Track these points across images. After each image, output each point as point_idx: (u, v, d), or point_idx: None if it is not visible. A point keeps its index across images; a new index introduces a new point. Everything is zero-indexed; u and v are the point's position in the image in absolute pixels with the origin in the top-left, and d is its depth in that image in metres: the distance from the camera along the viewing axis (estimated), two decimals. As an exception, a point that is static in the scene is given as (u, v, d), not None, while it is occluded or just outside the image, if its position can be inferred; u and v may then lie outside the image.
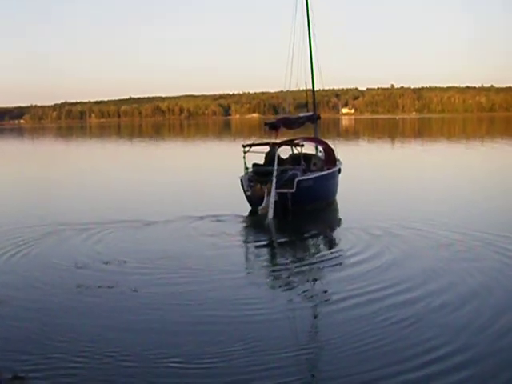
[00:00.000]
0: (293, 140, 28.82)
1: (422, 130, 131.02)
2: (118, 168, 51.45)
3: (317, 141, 30.75)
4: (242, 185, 26.48)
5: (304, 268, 17.36)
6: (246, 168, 27.23)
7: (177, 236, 21.86)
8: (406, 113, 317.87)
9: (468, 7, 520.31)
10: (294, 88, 31.19)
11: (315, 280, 16.21)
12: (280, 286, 15.76)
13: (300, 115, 31.36)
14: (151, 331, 12.51)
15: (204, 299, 14.50)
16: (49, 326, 12.86)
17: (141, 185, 37.68)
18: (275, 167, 25.62)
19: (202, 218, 24.60)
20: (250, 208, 26.31)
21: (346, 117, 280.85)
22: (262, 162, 27.85)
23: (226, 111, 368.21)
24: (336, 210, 27.92)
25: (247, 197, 26.47)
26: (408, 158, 57.44)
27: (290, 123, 29.92)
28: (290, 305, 14.25)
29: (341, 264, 17.59)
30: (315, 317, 13.61)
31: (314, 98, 32.51)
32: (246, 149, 27.07)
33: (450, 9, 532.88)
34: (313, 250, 20.21)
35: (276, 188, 25.31)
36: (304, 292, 15.04)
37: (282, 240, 21.91)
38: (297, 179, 25.72)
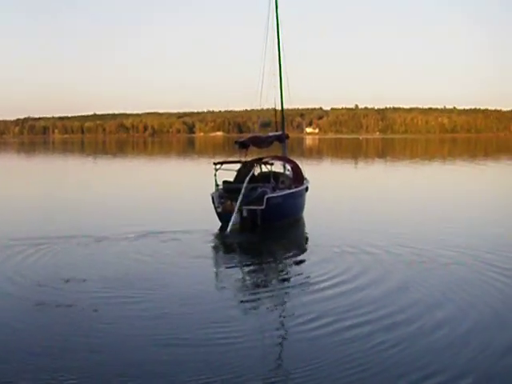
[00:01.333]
0: (262, 158, 29.38)
1: (385, 151, 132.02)
2: (79, 184, 50.81)
3: (285, 159, 31.28)
4: (213, 201, 26.88)
5: (273, 288, 17.32)
6: (217, 185, 27.73)
7: (139, 253, 21.58)
8: (369, 133, 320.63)
9: (430, 30, 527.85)
10: (260, 107, 31.56)
11: (284, 302, 16.05)
12: (246, 307, 15.72)
13: (269, 134, 31.98)
14: (111, 352, 12.28)
15: (167, 319, 14.26)
16: (4, 343, 12.66)
17: (105, 201, 37.57)
18: (244, 184, 26.27)
19: (164, 233, 24.60)
20: (220, 224, 26.49)
21: (310, 136, 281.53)
22: (232, 179, 28.26)
23: (191, 129, 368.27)
24: (303, 227, 28.45)
25: (218, 213, 26.79)
26: (370, 178, 57.93)
27: (259, 142, 30.67)
28: (256, 327, 14.00)
29: (310, 284, 17.50)
30: (283, 340, 13.32)
31: (282, 118, 32.99)
32: (218, 166, 27.82)
33: (412, 32, 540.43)
34: (281, 269, 20.08)
35: (246, 204, 26.03)
36: (272, 314, 14.94)
37: (250, 259, 21.95)
38: (266, 196, 26.35)
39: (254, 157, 30.03)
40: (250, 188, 26.65)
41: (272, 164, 28.82)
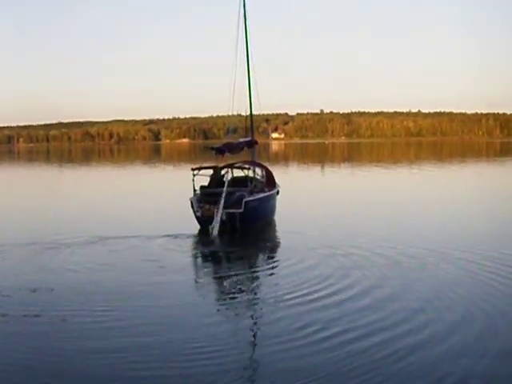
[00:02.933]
0: (234, 163, 30.77)
1: (351, 155, 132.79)
2: (45, 192, 50.36)
3: (257, 164, 32.53)
4: (192, 206, 27.75)
5: (252, 297, 17.08)
6: (195, 190, 28.66)
7: (110, 259, 21.57)
8: (335, 137, 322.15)
9: (395, 32, 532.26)
10: (230, 113, 32.30)
11: (264, 308, 15.77)
12: (225, 314, 15.69)
13: (240, 140, 33.03)
14: (81, 362, 12.05)
15: (137, 329, 13.97)
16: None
17: (78, 206, 37.89)
18: (224, 189, 27.28)
19: (137, 237, 25.03)
20: (199, 227, 27.37)
21: (276, 142, 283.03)
22: (206, 184, 29.39)
23: (156, 136, 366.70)
24: (276, 229, 29.37)
25: (197, 217, 27.65)
26: (338, 182, 58.49)
27: (232, 148, 31.52)
28: (235, 335, 13.83)
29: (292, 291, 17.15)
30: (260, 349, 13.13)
31: (252, 124, 34.02)
32: (195, 172, 28.94)
33: (375, 34, 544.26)
34: (263, 273, 20.04)
35: (224, 208, 26.85)
36: (254, 323, 14.81)
37: (233, 264, 21.97)
38: (244, 200, 27.49)
39: (227, 162, 30.95)
40: (228, 192, 27.48)
41: (249, 168, 30.50)
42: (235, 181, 29.65)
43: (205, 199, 27.89)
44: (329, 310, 15.05)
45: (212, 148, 31.06)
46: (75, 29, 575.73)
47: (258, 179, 31.21)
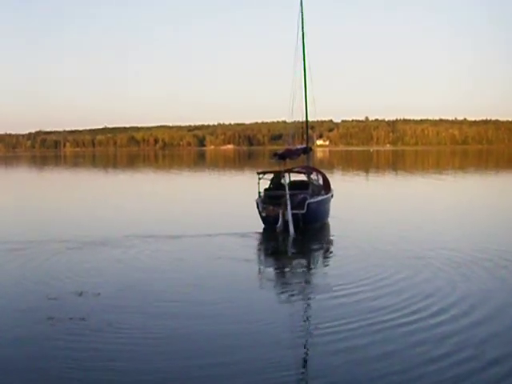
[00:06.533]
0: (293, 168, 32.75)
1: (396, 163, 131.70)
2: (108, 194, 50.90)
3: (314, 169, 34.36)
4: (258, 207, 29.87)
5: (308, 289, 18.19)
6: (259, 192, 30.72)
7: (159, 259, 22.45)
8: (380, 145, 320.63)
9: (444, 41, 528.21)
10: (292, 120, 34.78)
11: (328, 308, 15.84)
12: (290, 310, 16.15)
13: (298, 147, 34.87)
14: (127, 370, 11.86)
15: (183, 340, 13.60)
16: (18, 356, 12.51)
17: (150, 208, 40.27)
18: (287, 191, 29.13)
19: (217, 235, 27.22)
20: (264, 227, 29.48)
21: (321, 149, 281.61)
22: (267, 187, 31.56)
23: (201, 142, 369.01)
24: (334, 229, 30.38)
25: (262, 217, 29.75)
26: (380, 190, 57.99)
27: (292, 154, 33.44)
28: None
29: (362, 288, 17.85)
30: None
31: (307, 132, 35.92)
32: (260, 175, 31.36)
33: (423, 44, 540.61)
34: (330, 272, 20.90)
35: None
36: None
37: (295, 260, 23.48)
38: (307, 201, 29.47)
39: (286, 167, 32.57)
40: (291, 194, 29.21)
41: (311, 173, 32.65)
42: (296, 184, 31.61)
43: (269, 201, 29.88)
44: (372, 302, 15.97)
45: (275, 154, 32.80)
46: (126, 31, 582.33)
47: (315, 183, 32.81)
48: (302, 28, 34.31)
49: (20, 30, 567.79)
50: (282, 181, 30.75)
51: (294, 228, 28.17)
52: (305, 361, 12.53)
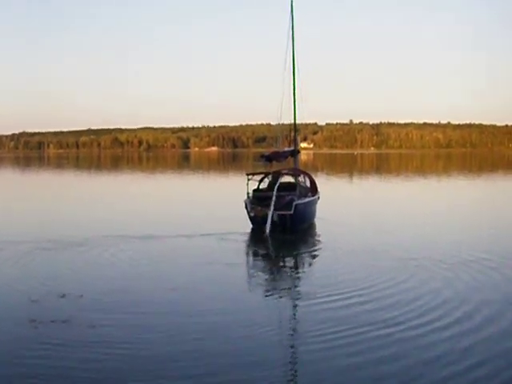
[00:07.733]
0: (281, 170, 33.20)
1: (380, 166, 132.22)
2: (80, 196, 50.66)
3: (302, 172, 35.14)
4: (246, 207, 30.30)
5: (295, 289, 18.30)
6: (248, 193, 31.35)
7: (139, 260, 22.31)
8: (364, 148, 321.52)
9: (425, 44, 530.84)
10: (280, 122, 35.50)
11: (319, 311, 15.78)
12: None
13: (285, 150, 35.86)
14: (109, 370, 11.82)
15: (168, 342, 13.50)
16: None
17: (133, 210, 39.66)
18: (274, 192, 29.63)
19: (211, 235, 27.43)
20: (252, 226, 29.91)
21: (305, 151, 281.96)
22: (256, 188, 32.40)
23: (185, 144, 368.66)
24: (320, 230, 30.85)
25: (250, 217, 30.20)
26: (364, 192, 58.45)
27: (279, 156, 34.50)
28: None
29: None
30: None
31: (295, 135, 36.49)
32: (249, 177, 32.26)
33: (410, 47, 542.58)
34: (310, 268, 21.90)
35: (275, 210, 29.12)
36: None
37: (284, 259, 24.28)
38: (294, 203, 29.73)
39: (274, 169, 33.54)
40: (278, 196, 29.68)
41: (299, 175, 33.53)
42: (283, 186, 31.75)
43: (257, 201, 30.45)
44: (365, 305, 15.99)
45: (262, 156, 34.19)
46: (113, 32, 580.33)
47: (303, 185, 33.40)
48: (292, 33, 34.80)
49: (20, 30, 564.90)
50: (277, 181, 31.10)
51: (282, 228, 28.72)
52: (293, 363, 12.52)
